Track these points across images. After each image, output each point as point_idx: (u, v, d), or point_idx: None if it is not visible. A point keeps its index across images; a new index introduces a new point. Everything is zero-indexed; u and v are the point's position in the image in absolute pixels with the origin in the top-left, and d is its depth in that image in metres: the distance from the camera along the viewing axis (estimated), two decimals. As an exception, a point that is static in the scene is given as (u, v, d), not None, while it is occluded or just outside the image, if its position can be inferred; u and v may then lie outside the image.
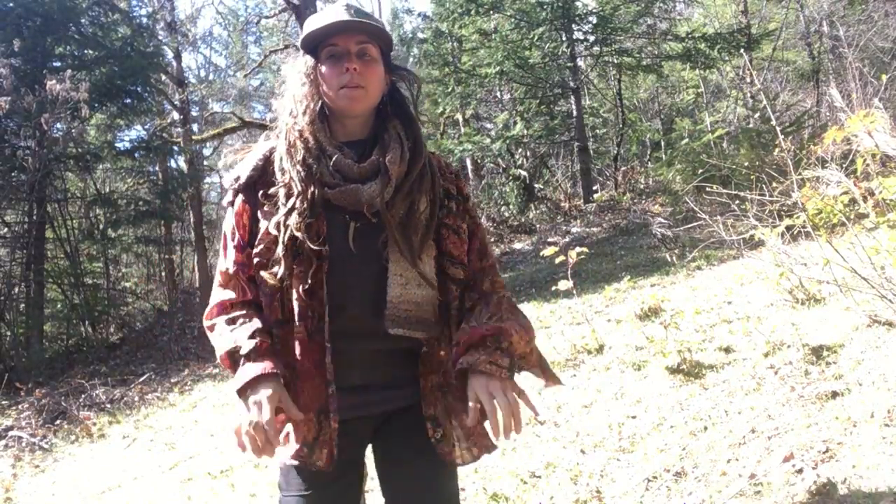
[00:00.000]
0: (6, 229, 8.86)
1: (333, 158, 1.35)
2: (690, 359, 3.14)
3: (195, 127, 14.22)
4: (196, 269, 12.77)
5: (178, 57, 13.07)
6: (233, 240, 1.40)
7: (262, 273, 1.34)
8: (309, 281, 1.31)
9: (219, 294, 1.41)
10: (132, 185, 11.18)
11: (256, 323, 1.34)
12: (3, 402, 5.80)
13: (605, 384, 3.31)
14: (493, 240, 10.91)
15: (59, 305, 9.25)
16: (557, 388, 3.48)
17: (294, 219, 1.31)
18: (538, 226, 10.97)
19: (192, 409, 5.14)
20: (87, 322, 8.75)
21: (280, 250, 1.31)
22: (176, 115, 12.88)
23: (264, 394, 1.24)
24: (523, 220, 11.69)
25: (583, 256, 4.21)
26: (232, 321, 1.36)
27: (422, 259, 1.36)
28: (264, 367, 1.27)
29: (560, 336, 4.04)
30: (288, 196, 1.34)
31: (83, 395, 5.71)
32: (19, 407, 5.56)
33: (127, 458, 4.20)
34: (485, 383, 1.26)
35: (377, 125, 1.44)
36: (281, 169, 1.37)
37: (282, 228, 1.32)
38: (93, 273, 9.82)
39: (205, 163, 16.67)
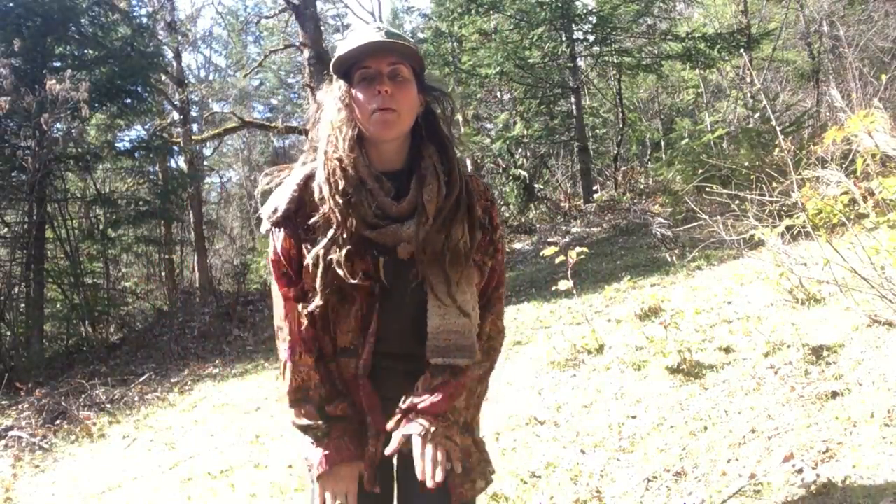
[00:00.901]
0: (6, 229, 8.85)
1: (377, 198, 1.34)
2: (690, 359, 3.14)
3: (195, 127, 14.23)
4: (196, 269, 12.77)
5: (178, 57, 13.07)
6: (279, 270, 1.40)
7: (299, 306, 1.36)
8: (352, 320, 1.36)
9: (283, 343, 1.42)
10: (132, 185, 11.16)
11: (322, 398, 1.39)
12: (3, 402, 5.80)
13: (605, 384, 3.31)
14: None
15: (59, 305, 9.24)
16: (558, 388, 3.48)
17: (335, 253, 1.32)
18: (538, 226, 10.97)
19: (192, 409, 5.14)
20: (87, 322, 8.74)
21: (318, 283, 1.32)
22: (176, 115, 12.88)
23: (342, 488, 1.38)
24: (523, 220, 11.69)
25: (583, 256, 4.21)
26: (300, 401, 1.39)
27: (460, 287, 1.37)
28: (338, 453, 1.37)
29: (560, 336, 4.04)
30: (327, 227, 1.33)
31: (83, 395, 5.70)
32: (19, 407, 5.55)
33: (127, 458, 4.20)
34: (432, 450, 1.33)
35: (413, 151, 1.42)
36: (321, 198, 1.35)
37: (320, 261, 1.32)
38: (93, 273, 9.81)
39: (205, 163, 16.69)
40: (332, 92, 1.41)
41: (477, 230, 1.41)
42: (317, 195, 1.36)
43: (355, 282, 1.32)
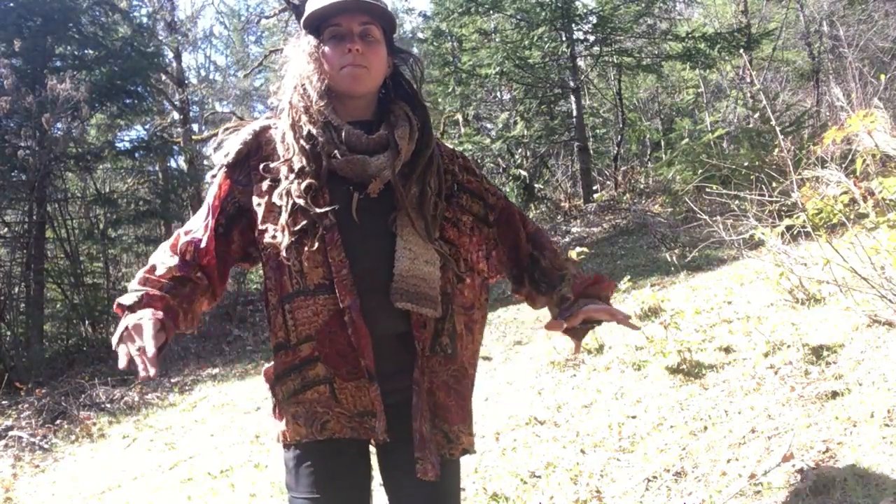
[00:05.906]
0: (6, 229, 8.85)
1: (343, 130, 1.33)
2: (690, 359, 3.14)
3: (195, 127, 14.23)
4: (196, 269, 12.76)
5: (178, 57, 13.08)
6: (202, 210, 1.41)
7: (266, 239, 1.33)
8: (316, 244, 1.29)
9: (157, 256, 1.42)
10: (132, 185, 11.18)
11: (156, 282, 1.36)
12: (3, 402, 5.79)
13: (605, 384, 3.31)
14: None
15: (59, 305, 9.24)
16: (558, 388, 3.48)
17: (295, 187, 1.30)
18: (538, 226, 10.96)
19: (192, 409, 5.14)
20: (87, 322, 8.74)
21: (283, 219, 1.30)
22: (176, 115, 12.89)
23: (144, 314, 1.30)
24: (523, 220, 11.67)
25: (583, 256, 4.21)
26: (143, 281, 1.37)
27: (436, 233, 1.38)
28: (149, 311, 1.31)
29: (560, 336, 4.03)
30: (290, 170, 1.32)
31: (83, 395, 5.70)
32: (19, 407, 5.56)
33: (127, 458, 4.20)
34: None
35: (381, 108, 1.43)
36: (283, 142, 1.35)
37: (285, 197, 1.30)
38: (93, 273, 9.81)
39: (205, 163, 16.67)
40: (300, 46, 1.40)
41: (443, 191, 1.41)
42: (279, 141, 1.35)
43: (320, 210, 1.29)
